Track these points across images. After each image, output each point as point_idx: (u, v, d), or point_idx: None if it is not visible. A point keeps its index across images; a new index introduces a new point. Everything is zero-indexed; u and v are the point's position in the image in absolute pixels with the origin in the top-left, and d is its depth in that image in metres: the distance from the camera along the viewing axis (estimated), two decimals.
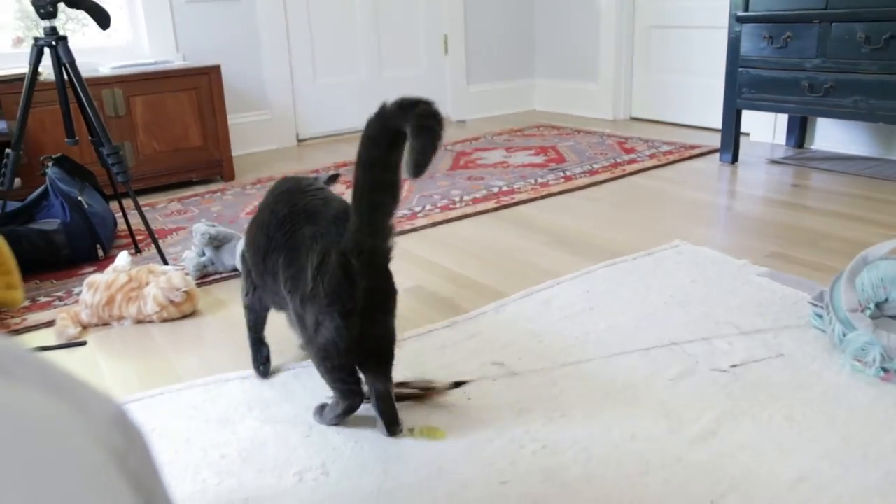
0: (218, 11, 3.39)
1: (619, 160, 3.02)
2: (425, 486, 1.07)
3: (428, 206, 2.45)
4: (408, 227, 2.21)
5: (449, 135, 3.79)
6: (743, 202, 2.45)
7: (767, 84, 2.71)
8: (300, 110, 3.71)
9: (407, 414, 1.26)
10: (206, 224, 1.98)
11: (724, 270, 1.81)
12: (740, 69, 2.79)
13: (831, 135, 3.10)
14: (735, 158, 2.94)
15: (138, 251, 2.18)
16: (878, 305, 1.45)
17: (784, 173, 2.79)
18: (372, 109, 1.00)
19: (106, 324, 1.70)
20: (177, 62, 3.10)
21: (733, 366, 1.38)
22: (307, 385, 1.38)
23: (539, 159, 3.11)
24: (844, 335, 1.36)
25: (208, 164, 2.98)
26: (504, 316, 1.61)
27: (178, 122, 2.88)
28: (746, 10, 2.73)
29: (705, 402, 1.26)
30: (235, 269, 1.97)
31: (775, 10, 2.64)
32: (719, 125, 3.45)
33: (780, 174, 2.78)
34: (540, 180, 2.72)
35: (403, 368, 1.41)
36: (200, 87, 2.90)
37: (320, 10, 3.68)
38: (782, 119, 3.24)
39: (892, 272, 1.46)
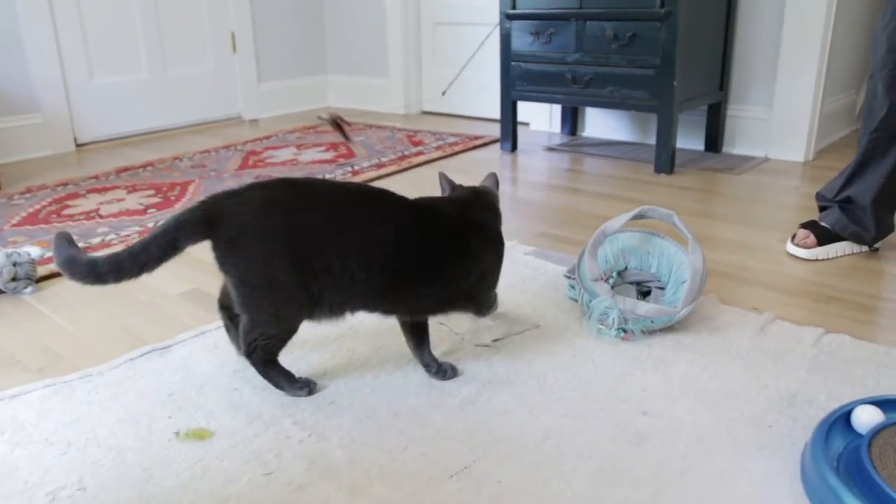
0: None
1: (406, 153, 3.11)
2: (188, 486, 1.06)
3: None
4: None
5: (240, 134, 3.71)
6: (520, 188, 2.61)
7: (537, 77, 2.90)
8: (77, 112, 3.47)
9: (175, 416, 1.24)
10: None
11: None
12: (513, 63, 2.96)
13: (599, 122, 3.38)
14: (514, 147, 3.13)
15: None
16: (619, 274, 1.61)
17: (559, 159, 3.01)
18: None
19: None
20: None
21: (495, 340, 1.48)
22: (68, 400, 1.31)
23: (329, 155, 3.12)
24: (591, 302, 1.50)
25: None
26: None
27: None
28: (514, 8, 2.90)
29: (467, 376, 1.35)
30: None
31: (539, 8, 2.83)
32: (496, 116, 3.62)
33: (555, 160, 2.99)
34: (328, 176, 2.74)
35: (173, 373, 1.38)
36: None
37: (92, 3, 3.46)
38: (557, 109, 3.48)
39: (630, 243, 1.63)
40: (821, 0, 2.67)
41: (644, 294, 1.57)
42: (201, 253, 1.21)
